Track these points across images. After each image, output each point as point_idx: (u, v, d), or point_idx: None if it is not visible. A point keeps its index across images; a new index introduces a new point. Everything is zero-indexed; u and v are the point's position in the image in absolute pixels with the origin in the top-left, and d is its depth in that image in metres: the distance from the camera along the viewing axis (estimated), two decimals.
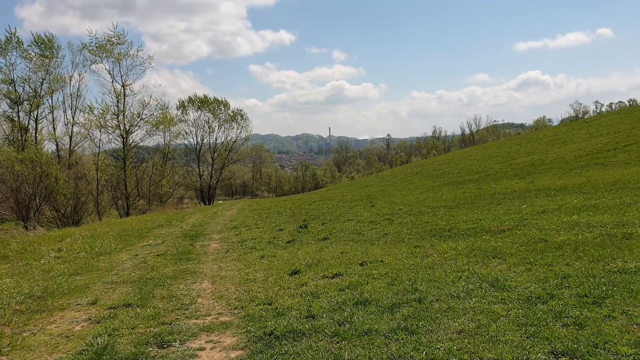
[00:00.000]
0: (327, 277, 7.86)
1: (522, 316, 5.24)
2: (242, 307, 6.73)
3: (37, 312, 7.07)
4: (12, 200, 33.94)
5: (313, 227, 14.47)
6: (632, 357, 4.08)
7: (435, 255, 8.62)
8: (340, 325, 5.55)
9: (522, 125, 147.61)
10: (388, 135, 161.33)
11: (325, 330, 5.46)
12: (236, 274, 8.93)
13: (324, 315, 5.94)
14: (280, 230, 14.57)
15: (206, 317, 6.45)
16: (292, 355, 4.83)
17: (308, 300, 6.65)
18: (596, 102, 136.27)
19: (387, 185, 36.05)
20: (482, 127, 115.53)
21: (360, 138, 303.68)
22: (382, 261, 8.55)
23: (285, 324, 5.74)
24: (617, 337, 4.46)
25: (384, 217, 14.86)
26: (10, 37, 49.53)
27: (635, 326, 4.67)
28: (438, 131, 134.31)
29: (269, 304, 6.70)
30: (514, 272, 6.95)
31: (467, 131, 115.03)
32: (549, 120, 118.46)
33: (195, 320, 6.34)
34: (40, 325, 6.46)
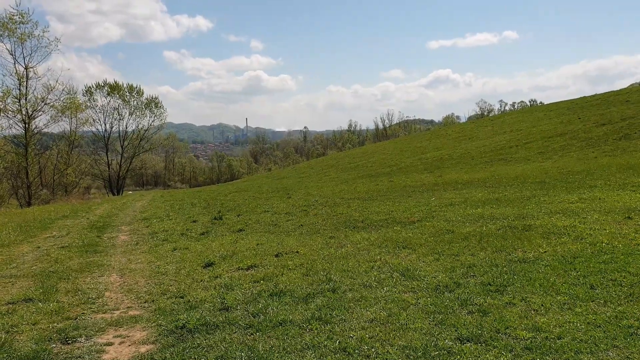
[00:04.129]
0: (242, 268, 7.79)
1: (430, 304, 5.46)
2: (153, 301, 6.53)
3: None
4: None
5: (228, 218, 14.29)
6: (529, 340, 4.37)
7: (349, 245, 8.79)
8: (254, 317, 5.52)
9: (432, 122, 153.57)
10: (305, 127, 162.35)
11: (240, 322, 5.41)
12: (146, 267, 8.64)
13: (239, 307, 5.89)
14: (194, 221, 14.27)
15: (114, 311, 6.20)
16: (205, 348, 4.75)
17: (222, 292, 6.56)
18: (500, 101, 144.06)
19: (303, 177, 36.30)
20: (395, 123, 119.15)
21: (278, 130, 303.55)
22: (297, 252, 8.60)
23: (198, 317, 5.63)
24: (517, 322, 4.76)
25: (300, 208, 14.95)
26: None
27: (532, 312, 5.00)
28: (353, 125, 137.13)
29: (181, 297, 6.54)
30: (423, 262, 7.23)
31: (381, 126, 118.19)
32: (457, 117, 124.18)
33: (103, 315, 6.07)
34: None
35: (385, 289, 6.14)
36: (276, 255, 8.46)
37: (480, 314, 5.06)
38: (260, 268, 7.71)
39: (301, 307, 5.73)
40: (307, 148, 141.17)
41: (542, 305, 5.15)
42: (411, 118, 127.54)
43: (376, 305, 5.57)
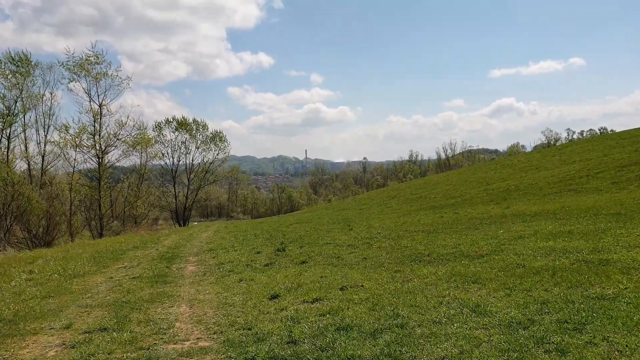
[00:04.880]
0: (307, 301, 7.79)
1: (504, 342, 5.26)
2: (222, 332, 6.62)
3: (8, 336, 6.84)
4: None
5: (291, 250, 14.39)
6: None
7: (415, 280, 8.63)
8: (322, 351, 5.49)
9: (496, 151, 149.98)
10: (364, 158, 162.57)
11: (308, 356, 5.39)
12: (214, 298, 8.80)
13: (306, 341, 5.88)
14: (258, 252, 14.44)
15: (185, 342, 6.32)
16: None
17: (289, 325, 6.57)
18: (568, 129, 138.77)
19: (364, 208, 36.16)
20: (458, 152, 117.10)
21: (337, 161, 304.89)
22: (362, 286, 8.52)
23: (266, 349, 5.66)
24: None
25: (363, 240, 14.86)
26: None
27: (616, 353, 4.72)
28: (414, 155, 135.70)
29: (249, 329, 6.60)
30: (494, 297, 7.00)
31: (443, 156, 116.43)
32: (522, 146, 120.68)
33: (174, 345, 6.20)
34: (12, 350, 6.25)
35: (455, 325, 5.97)
36: (341, 289, 8.42)
37: (559, 353, 4.83)
38: (325, 301, 7.68)
39: (369, 342, 5.66)
40: (366, 179, 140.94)
41: (626, 345, 4.85)
42: (474, 148, 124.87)
43: (447, 342, 5.42)
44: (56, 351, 6.14)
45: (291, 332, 6.22)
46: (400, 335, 5.75)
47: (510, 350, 5.02)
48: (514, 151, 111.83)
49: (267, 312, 7.40)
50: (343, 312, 6.96)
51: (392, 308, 6.88)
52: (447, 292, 7.47)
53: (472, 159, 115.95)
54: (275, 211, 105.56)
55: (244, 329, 6.66)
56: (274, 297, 8.32)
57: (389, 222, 20.76)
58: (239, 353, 5.66)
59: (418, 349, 5.30)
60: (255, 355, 5.51)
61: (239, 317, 7.29)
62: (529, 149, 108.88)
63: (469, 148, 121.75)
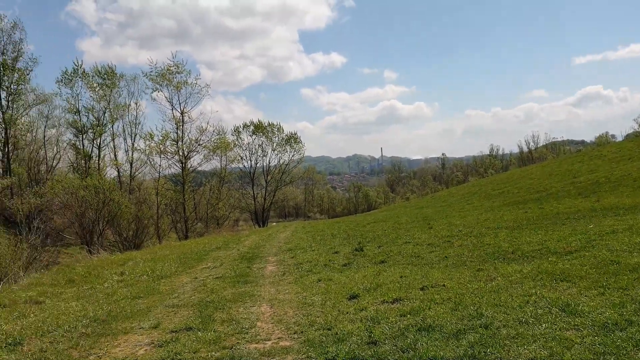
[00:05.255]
0: (387, 301, 7.68)
1: (599, 344, 4.93)
2: (302, 332, 6.65)
3: (102, 335, 7.22)
4: (77, 225, 35.41)
5: (369, 249, 14.29)
6: None
7: (499, 278, 8.30)
8: (403, 352, 5.38)
9: (582, 142, 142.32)
10: (443, 154, 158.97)
11: (389, 357, 5.31)
12: (294, 298, 8.87)
13: (386, 342, 5.79)
14: (336, 252, 14.46)
15: (266, 342, 6.41)
16: None
17: (368, 325, 6.50)
18: None
19: (444, 206, 35.39)
20: (541, 145, 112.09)
21: (414, 158, 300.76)
22: (443, 285, 8.30)
23: (346, 350, 5.62)
24: None
25: (443, 239, 14.52)
26: (77, 69, 52.18)
27: None
28: (495, 149, 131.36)
29: (329, 329, 6.59)
30: (586, 296, 6.59)
31: (526, 149, 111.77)
32: (612, 136, 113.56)
33: (256, 345, 6.30)
34: (106, 348, 6.59)
35: (543, 325, 5.67)
36: (421, 289, 8.24)
37: None
38: (405, 301, 7.54)
39: (452, 343, 5.49)
40: (445, 175, 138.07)
41: None
42: (559, 139, 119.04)
43: (535, 344, 5.16)
44: (145, 350, 6.40)
45: (371, 332, 6.15)
46: (485, 336, 5.53)
47: (607, 353, 4.71)
48: (603, 141, 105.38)
49: (347, 312, 7.36)
50: (424, 312, 6.80)
51: (475, 308, 6.65)
52: (533, 291, 7.12)
53: (557, 150, 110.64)
54: (352, 210, 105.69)
55: (323, 329, 6.66)
56: (353, 297, 8.27)
57: (470, 219, 20.18)
58: (319, 353, 5.66)
59: (504, 350, 5.08)
60: (335, 355, 5.48)
61: (318, 317, 7.30)
62: (619, 139, 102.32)
63: (553, 140, 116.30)
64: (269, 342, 6.37)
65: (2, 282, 13.14)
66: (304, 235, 21.85)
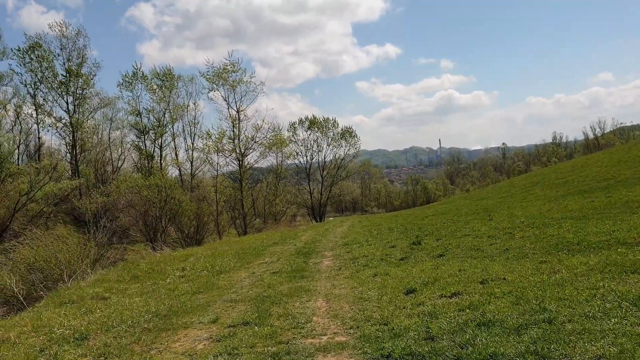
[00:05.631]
0: (445, 296, 7.49)
1: None
2: (358, 327, 6.58)
3: (163, 330, 7.39)
4: (141, 223, 36.70)
5: (427, 243, 14.04)
6: None
7: (564, 271, 7.93)
8: (462, 348, 5.21)
9: None
10: (503, 144, 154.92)
11: (447, 353, 5.15)
12: (350, 292, 8.81)
13: (444, 337, 5.63)
14: (393, 247, 14.29)
15: (322, 337, 6.37)
16: None
17: (426, 320, 6.35)
18: None
19: (505, 196, 34.39)
20: (608, 131, 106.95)
21: (473, 148, 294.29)
22: (504, 279, 8.01)
23: (403, 345, 5.50)
24: None
25: (504, 231, 14.07)
26: (136, 72, 53.99)
27: None
28: (558, 137, 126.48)
29: (385, 324, 6.49)
30: None
31: (591, 135, 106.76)
32: None
33: (312, 340, 6.28)
34: (166, 343, 6.74)
35: (613, 320, 5.35)
36: (481, 282, 7.99)
37: None
38: (464, 296, 7.33)
39: (513, 338, 5.27)
40: (506, 165, 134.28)
41: None
42: (628, 124, 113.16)
43: (603, 340, 4.87)
44: (204, 344, 6.50)
45: (429, 327, 6.00)
46: (548, 331, 5.28)
47: None
48: None
49: (403, 307, 7.23)
50: (484, 306, 6.57)
51: (538, 302, 6.37)
52: (601, 284, 6.75)
53: (626, 136, 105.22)
54: (409, 204, 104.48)
55: (380, 324, 6.56)
56: (410, 291, 8.12)
57: (532, 209, 19.49)
58: (375, 349, 5.57)
59: (569, 347, 4.82)
60: (391, 351, 5.38)
61: (374, 312, 7.20)
62: None
63: (621, 125, 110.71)
64: (325, 337, 6.34)
65: (71, 279, 13.75)
66: (360, 229, 21.75)
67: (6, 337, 7.80)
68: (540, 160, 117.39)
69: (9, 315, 12.69)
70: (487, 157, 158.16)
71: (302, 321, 7.12)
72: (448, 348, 5.28)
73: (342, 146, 62.17)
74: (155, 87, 54.57)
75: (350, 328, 6.61)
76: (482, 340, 5.34)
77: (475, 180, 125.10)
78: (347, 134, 61.67)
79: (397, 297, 7.89)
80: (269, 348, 6.03)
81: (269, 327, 6.88)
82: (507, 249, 11.17)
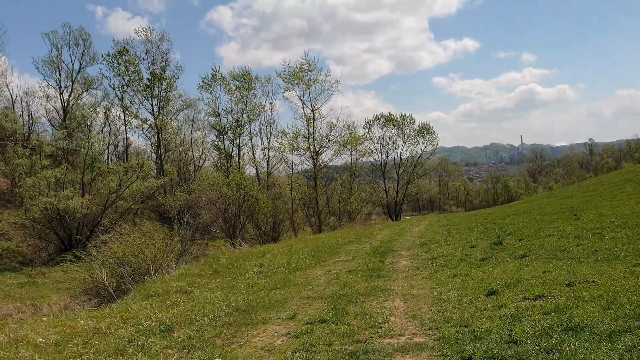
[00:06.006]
0: (528, 298, 7.19)
1: None
2: (437, 328, 6.45)
3: (242, 324, 7.58)
4: (221, 220, 37.91)
5: (509, 243, 13.55)
6: None
7: None
8: (547, 354, 4.98)
9: None
10: (590, 139, 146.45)
11: (531, 357, 4.95)
12: (428, 293, 8.65)
13: (528, 341, 5.40)
14: (473, 247, 13.90)
15: (400, 337, 6.30)
16: None
17: (508, 323, 6.12)
18: None
19: (592, 195, 32.60)
20: None
21: (557, 145, 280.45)
22: (593, 282, 7.58)
23: (484, 348, 5.33)
24: None
25: (592, 231, 13.33)
26: (215, 74, 55.83)
27: None
28: None
29: (465, 326, 6.32)
30: None
31: None
32: None
33: (389, 340, 6.22)
34: (246, 338, 6.90)
35: None
36: (567, 285, 7.60)
37: None
38: (549, 298, 7.00)
39: (605, 345, 4.97)
40: (594, 162, 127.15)
41: None
42: None
43: None
44: (282, 340, 6.60)
45: (511, 331, 5.78)
46: None
47: None
48: None
49: (484, 309, 7.01)
50: (571, 310, 6.25)
51: (632, 307, 5.97)
52: None
53: None
54: (490, 202, 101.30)
55: (460, 325, 6.40)
56: (491, 293, 7.86)
57: (624, 209, 18.33)
58: (455, 351, 5.44)
59: None
60: (472, 354, 5.22)
61: (454, 313, 7.04)
62: None
63: None
64: (403, 338, 6.26)
65: (157, 273, 14.40)
66: (438, 229, 21.35)
67: (98, 328, 8.26)
68: (633, 157, 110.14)
69: (100, 307, 13.48)
70: (573, 154, 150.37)
71: (380, 321, 7.07)
72: (533, 353, 5.06)
73: (418, 143, 61.22)
74: (233, 88, 56.26)
75: (429, 329, 6.49)
76: (570, 345, 5.08)
77: (559, 178, 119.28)
78: (424, 130, 60.63)
79: (477, 299, 7.67)
80: (347, 346, 6.02)
81: (346, 326, 6.88)
82: (595, 250, 10.58)
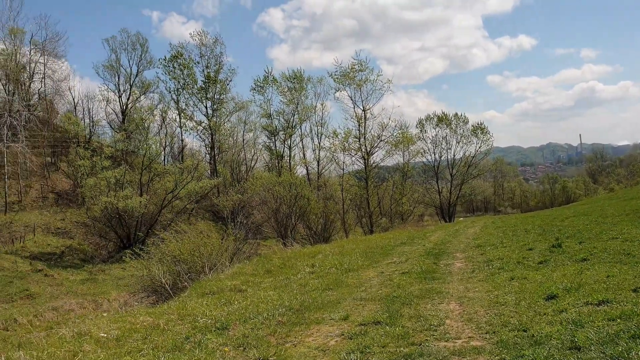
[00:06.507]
0: (591, 303, 6.92)
1: None
2: (494, 332, 6.30)
3: (296, 324, 7.63)
4: (273, 220, 38.35)
5: (568, 246, 13.08)
6: None
7: None
8: None
9: None
10: None
11: None
12: (484, 296, 8.46)
13: (592, 348, 5.19)
14: (530, 249, 13.49)
15: (456, 340, 6.18)
16: None
17: (570, 329, 5.91)
18: None
19: None
20: None
21: (619, 144, 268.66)
22: None
23: (545, 354, 5.17)
24: None
25: None
26: (267, 76, 56.62)
27: None
28: None
29: (524, 331, 6.14)
30: None
31: None
32: None
33: (445, 343, 6.12)
34: (300, 337, 6.94)
35: None
36: (634, 290, 7.26)
37: None
38: (614, 304, 6.71)
39: None
40: None
41: None
42: None
43: None
44: (336, 341, 6.61)
45: (574, 336, 5.57)
46: None
47: None
48: None
49: (544, 314, 6.79)
50: (639, 317, 5.97)
51: None
52: None
53: None
54: (547, 204, 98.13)
55: (518, 330, 6.23)
56: (551, 297, 7.61)
57: None
58: (514, 356, 5.29)
59: None
60: (532, 359, 5.07)
61: (512, 317, 6.85)
62: None
63: None
64: (459, 341, 6.14)
65: (211, 271, 14.71)
66: (493, 230, 20.86)
67: (156, 324, 8.52)
68: None
69: (157, 304, 13.90)
70: (637, 154, 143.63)
71: (435, 323, 6.97)
72: None
73: (472, 143, 60.11)
74: (285, 89, 56.89)
75: (486, 333, 6.35)
76: (638, 353, 4.85)
77: (621, 179, 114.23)
78: (478, 130, 59.44)
79: (536, 303, 7.44)
80: (401, 349, 5.97)
81: (400, 328, 6.81)
82: None
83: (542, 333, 5.91)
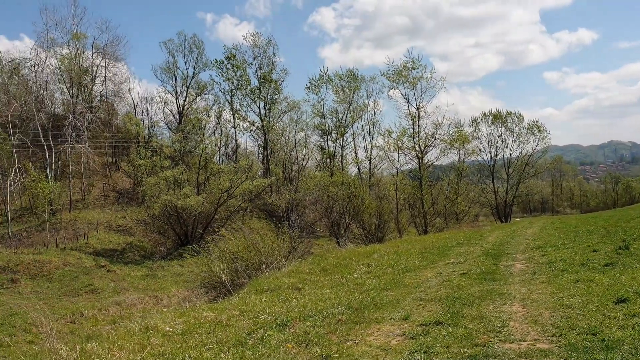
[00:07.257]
0: None
1: None
2: (561, 335, 6.14)
3: (356, 323, 7.66)
4: (326, 219, 38.52)
5: (636, 248, 12.55)
6: None
7: None
8: None
9: None
10: None
11: None
12: (549, 298, 8.24)
13: None
14: (594, 251, 13.03)
15: (521, 342, 6.07)
16: None
17: None
18: None
19: None
20: None
21: None
22: None
23: (618, 359, 5.00)
24: None
25: None
26: (322, 75, 56.92)
27: None
28: None
29: (594, 334, 5.97)
30: None
31: None
32: None
33: (510, 345, 6.01)
34: (361, 336, 6.98)
35: None
36: None
37: None
38: None
39: None
40: None
41: None
42: None
43: None
44: (398, 340, 6.60)
45: None
46: None
47: None
48: None
49: (614, 318, 6.57)
50: None
51: None
52: None
53: None
54: (609, 204, 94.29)
55: (587, 333, 6.05)
56: (621, 300, 7.34)
57: None
58: None
59: None
60: None
61: (579, 320, 6.66)
62: None
63: None
64: (525, 343, 6.02)
65: (268, 269, 14.94)
66: (553, 231, 20.25)
67: (219, 320, 8.74)
68: None
69: (217, 299, 14.24)
70: None
71: (498, 325, 6.85)
72: None
73: (529, 141, 58.35)
74: (339, 88, 57.04)
75: (553, 335, 6.20)
76: None
77: None
78: (535, 127, 57.68)
79: (605, 306, 7.20)
80: (465, 350, 5.90)
81: (463, 329, 6.74)
82: None
83: (613, 337, 5.73)
